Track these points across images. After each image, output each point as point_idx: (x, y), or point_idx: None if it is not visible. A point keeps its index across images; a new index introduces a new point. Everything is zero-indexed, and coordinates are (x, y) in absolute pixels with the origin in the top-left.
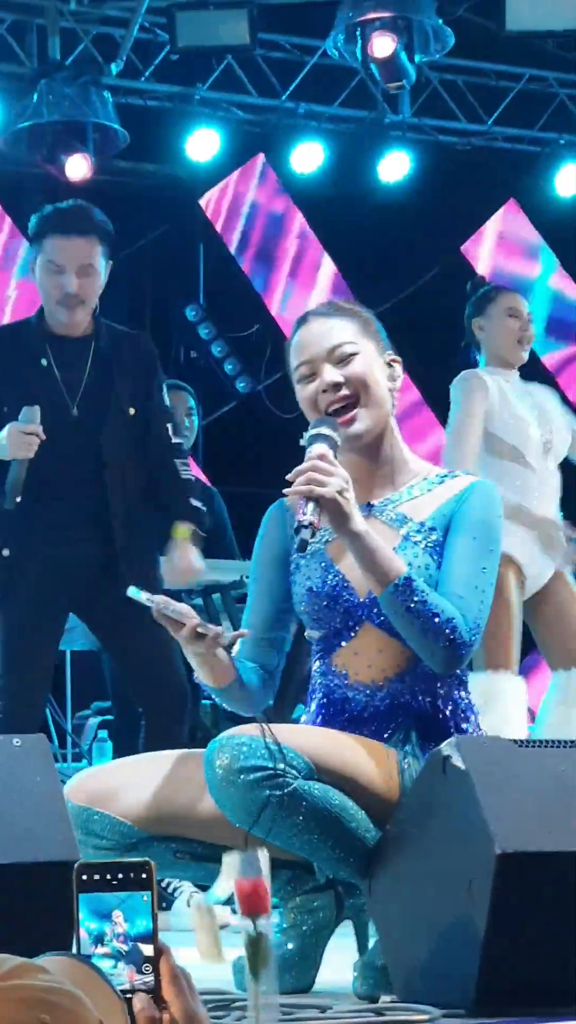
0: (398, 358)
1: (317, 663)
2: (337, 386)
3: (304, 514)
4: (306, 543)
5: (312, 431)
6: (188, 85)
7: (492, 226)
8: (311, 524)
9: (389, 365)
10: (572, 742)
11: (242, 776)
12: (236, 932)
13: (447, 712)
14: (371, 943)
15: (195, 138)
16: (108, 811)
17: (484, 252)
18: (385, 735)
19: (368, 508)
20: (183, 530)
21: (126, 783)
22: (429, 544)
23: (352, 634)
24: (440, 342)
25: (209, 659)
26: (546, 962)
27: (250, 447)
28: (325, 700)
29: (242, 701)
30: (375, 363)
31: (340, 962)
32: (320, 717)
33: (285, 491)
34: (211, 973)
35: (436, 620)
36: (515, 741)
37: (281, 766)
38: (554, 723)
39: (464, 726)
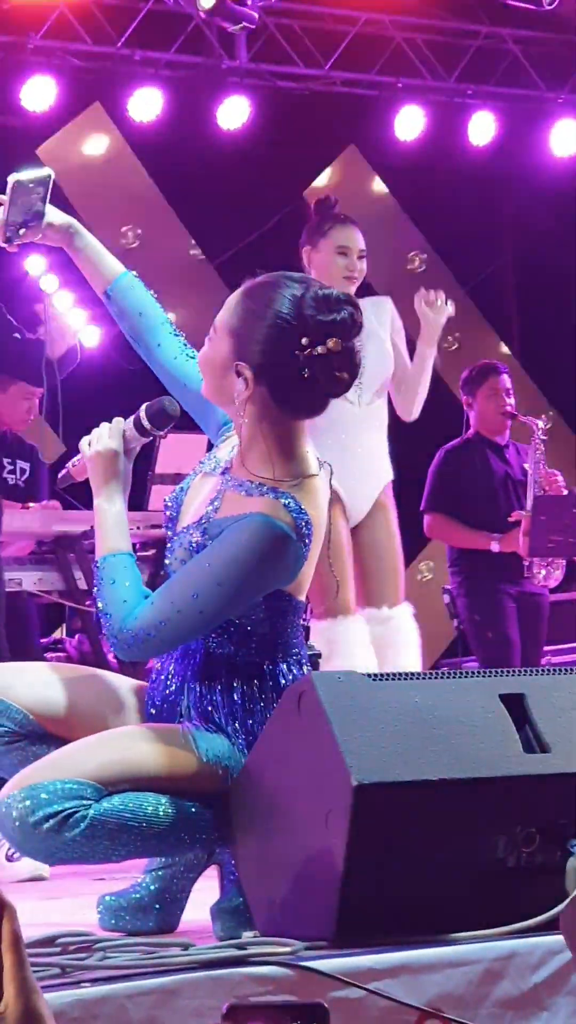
0: (245, 370)
1: None
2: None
3: (75, 461)
4: (63, 481)
5: (145, 404)
6: (21, 34)
7: (333, 171)
8: (67, 471)
9: (237, 371)
10: (425, 673)
11: (37, 829)
12: None
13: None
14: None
15: (30, 87)
16: (5, 698)
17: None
18: (173, 688)
19: (224, 473)
20: None
21: (27, 677)
22: (193, 543)
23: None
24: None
25: None
26: (404, 891)
27: (97, 399)
28: None
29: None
30: (222, 357)
31: (208, 901)
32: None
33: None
34: (75, 916)
35: (101, 610)
36: (369, 675)
37: (70, 804)
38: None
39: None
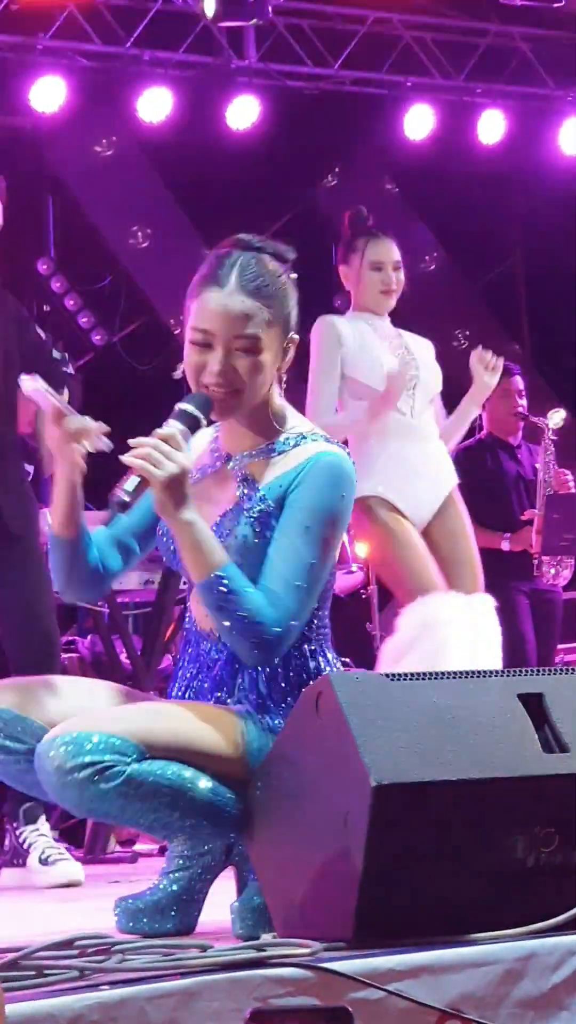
0: (296, 338)
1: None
2: (224, 375)
3: (122, 487)
4: (114, 515)
5: (182, 404)
6: (30, 35)
7: (342, 170)
8: (124, 503)
9: (284, 349)
10: (443, 673)
11: (73, 775)
12: None
13: (290, 661)
14: (250, 881)
15: (39, 88)
16: (27, 716)
17: (336, 196)
18: (225, 688)
19: (227, 459)
20: None
21: (47, 694)
22: (254, 514)
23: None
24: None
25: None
26: (423, 891)
27: (108, 399)
28: (187, 646)
29: (69, 564)
30: (269, 357)
31: (224, 902)
32: (182, 662)
33: (122, 456)
34: (93, 918)
35: (243, 620)
36: (387, 675)
37: (110, 757)
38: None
39: (306, 676)
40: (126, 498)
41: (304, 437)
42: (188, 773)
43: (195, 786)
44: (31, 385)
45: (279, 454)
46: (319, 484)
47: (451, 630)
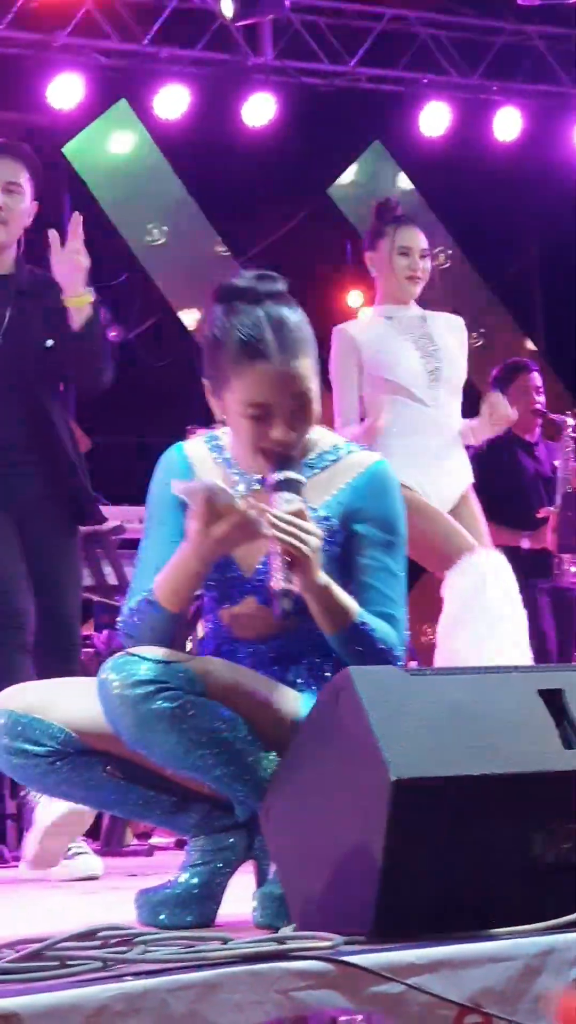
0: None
1: (205, 610)
2: (288, 440)
3: (278, 579)
4: (287, 612)
5: (288, 475)
6: (47, 32)
7: (358, 167)
8: (290, 592)
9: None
10: (463, 669)
11: (133, 690)
12: None
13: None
14: (270, 874)
15: (56, 85)
16: (45, 718)
17: (351, 194)
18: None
19: (261, 482)
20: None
21: (64, 694)
22: (327, 531)
23: (235, 601)
24: (310, 283)
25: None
26: (442, 886)
27: (122, 396)
28: (214, 652)
29: (171, 636)
30: (316, 400)
31: (242, 895)
32: None
33: (267, 531)
34: (113, 911)
35: (382, 652)
36: (408, 670)
37: (171, 679)
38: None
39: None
40: (290, 586)
41: (339, 448)
42: (243, 722)
43: (245, 735)
44: (182, 487)
45: (321, 470)
46: (383, 495)
47: (503, 584)
